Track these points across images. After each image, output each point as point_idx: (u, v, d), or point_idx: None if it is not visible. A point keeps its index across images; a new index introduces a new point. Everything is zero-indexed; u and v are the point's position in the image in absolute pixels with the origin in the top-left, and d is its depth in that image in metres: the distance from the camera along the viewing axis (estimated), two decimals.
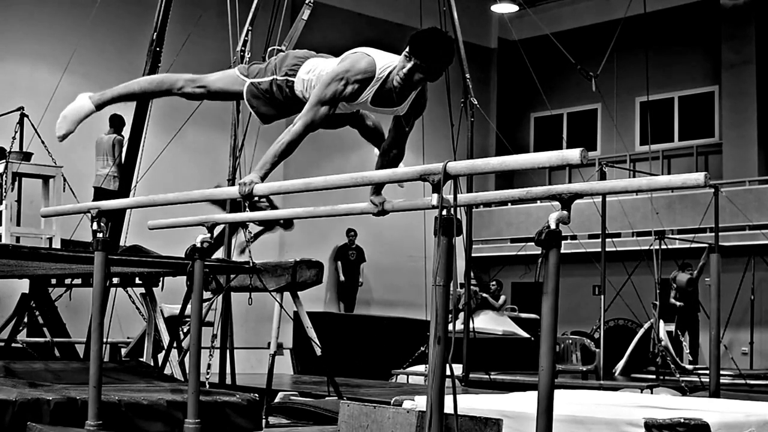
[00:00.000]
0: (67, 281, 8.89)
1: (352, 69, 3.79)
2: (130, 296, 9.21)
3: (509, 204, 17.37)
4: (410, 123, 4.01)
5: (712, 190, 9.90)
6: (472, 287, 11.28)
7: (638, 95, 17.25)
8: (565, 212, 3.04)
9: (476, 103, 10.48)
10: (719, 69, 17.08)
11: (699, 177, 3.10)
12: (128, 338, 9.79)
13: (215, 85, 4.22)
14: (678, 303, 14.01)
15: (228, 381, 8.76)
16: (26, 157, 9.82)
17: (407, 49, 3.73)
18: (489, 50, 19.45)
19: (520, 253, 16.02)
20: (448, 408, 3.13)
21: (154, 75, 4.79)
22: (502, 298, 15.01)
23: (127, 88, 4.45)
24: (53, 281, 8.98)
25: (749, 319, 15.19)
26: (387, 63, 3.81)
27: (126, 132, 9.68)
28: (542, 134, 19.62)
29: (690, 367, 13.18)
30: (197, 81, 4.25)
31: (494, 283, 15.31)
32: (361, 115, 4.18)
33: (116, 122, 11.15)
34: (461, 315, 10.57)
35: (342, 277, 15.88)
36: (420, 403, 4.88)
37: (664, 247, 13.31)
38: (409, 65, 3.73)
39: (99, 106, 4.41)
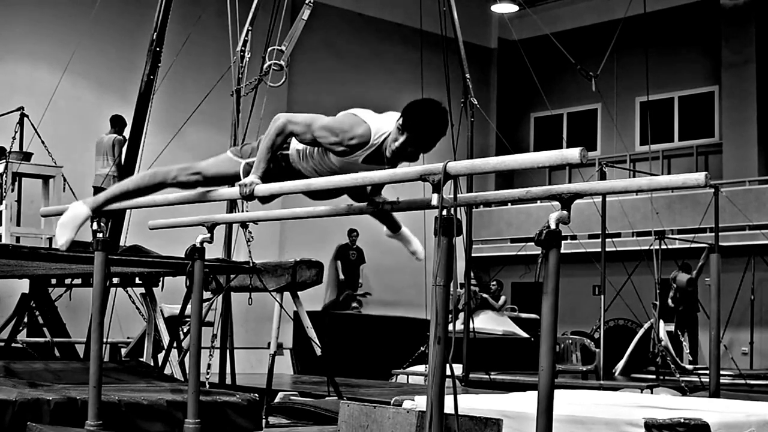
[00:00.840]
0: (67, 281, 8.90)
1: (348, 133, 3.77)
2: (130, 296, 9.21)
3: (509, 204, 17.37)
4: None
5: (712, 190, 9.90)
6: (471, 287, 11.27)
7: (638, 95, 17.25)
8: (565, 212, 3.04)
9: (476, 103, 10.48)
10: (719, 69, 17.08)
11: (699, 177, 3.09)
12: (128, 338, 9.79)
13: (209, 171, 4.18)
14: (677, 306, 14.00)
15: (228, 381, 8.76)
16: (26, 157, 9.83)
17: (400, 121, 3.70)
18: (489, 50, 19.45)
19: (520, 253, 16.02)
20: (448, 408, 3.13)
21: (145, 171, 4.75)
22: (503, 298, 15.00)
23: (120, 188, 4.43)
24: (53, 281, 8.99)
25: (749, 319, 15.19)
26: (381, 128, 3.78)
27: (126, 132, 9.68)
28: (542, 134, 19.62)
29: (690, 367, 13.18)
30: (190, 169, 4.21)
31: (494, 283, 15.30)
32: (362, 188, 4.15)
33: (117, 122, 11.16)
34: (461, 315, 10.57)
35: (342, 276, 15.88)
36: (420, 403, 4.88)
37: (664, 247, 13.31)
38: (402, 139, 3.70)
39: (95, 210, 4.41)
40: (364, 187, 4.09)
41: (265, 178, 3.93)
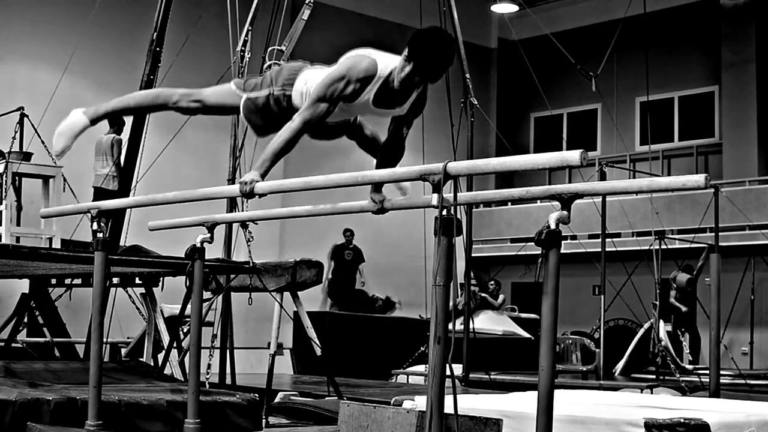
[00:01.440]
0: (67, 281, 8.89)
1: (353, 69, 3.78)
2: (130, 296, 9.21)
3: (509, 204, 17.37)
4: (410, 122, 4.00)
5: (712, 190, 9.89)
6: (471, 287, 11.26)
7: (638, 95, 17.25)
8: (565, 212, 3.04)
9: (476, 103, 10.48)
10: (719, 69, 17.08)
11: (699, 179, 3.09)
12: (128, 338, 9.79)
13: (211, 100, 4.21)
14: (681, 306, 13.97)
15: (228, 381, 8.76)
16: (26, 157, 9.82)
17: (406, 51, 3.70)
18: (489, 50, 19.45)
19: (520, 253, 16.02)
20: (448, 408, 3.13)
21: (149, 89, 4.77)
22: (501, 297, 14.99)
23: (122, 102, 4.44)
24: (53, 281, 8.98)
25: (749, 319, 15.19)
26: (388, 63, 3.79)
27: (126, 132, 9.68)
28: (542, 134, 19.62)
29: (690, 367, 13.18)
30: (193, 95, 4.23)
31: (492, 282, 15.30)
32: (359, 126, 4.17)
33: (116, 122, 11.15)
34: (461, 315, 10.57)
35: (330, 276, 15.60)
36: (420, 403, 4.88)
37: (664, 247, 13.30)
38: (408, 68, 3.71)
39: (93, 121, 4.39)
40: (361, 127, 4.10)
41: (263, 119, 3.95)
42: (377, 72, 3.78)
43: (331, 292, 15.74)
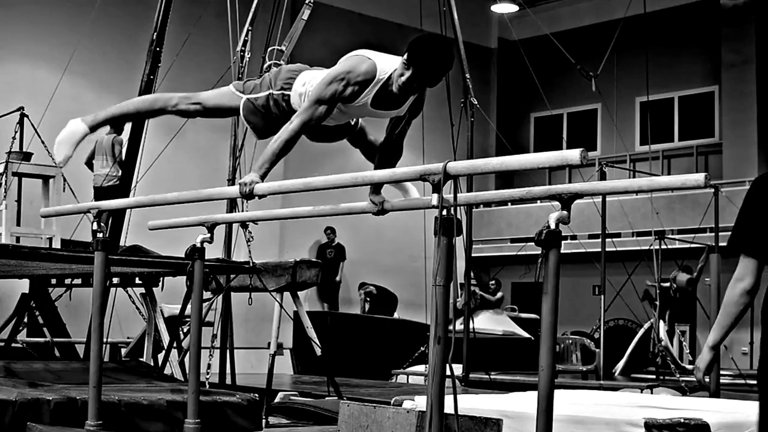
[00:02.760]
0: (67, 281, 8.89)
1: (353, 70, 3.78)
2: (130, 296, 9.21)
3: (509, 204, 17.36)
4: (408, 123, 4.00)
5: (712, 190, 9.90)
6: (471, 287, 11.25)
7: (638, 95, 17.24)
8: (565, 212, 3.04)
9: (476, 103, 10.48)
10: (719, 69, 17.08)
11: (699, 178, 3.09)
12: (128, 338, 9.79)
13: (210, 102, 4.21)
14: (673, 300, 13.86)
15: (228, 381, 8.76)
16: (26, 157, 9.82)
17: (405, 56, 3.71)
18: (489, 50, 19.45)
19: (520, 253, 16.02)
20: (448, 408, 3.13)
21: (147, 95, 4.76)
22: (500, 294, 14.96)
23: (120, 109, 4.44)
24: (53, 281, 8.98)
25: (749, 319, 15.16)
26: (387, 66, 3.79)
27: (126, 132, 9.68)
28: (542, 134, 19.62)
29: (690, 367, 13.16)
30: (192, 98, 4.24)
31: (493, 282, 15.31)
32: (361, 131, 4.16)
33: (117, 122, 11.16)
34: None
35: None
36: (420, 403, 4.88)
37: (664, 247, 13.30)
38: (408, 73, 3.71)
39: (93, 128, 4.38)
40: (363, 132, 4.10)
41: (264, 120, 3.95)
42: (376, 75, 3.78)
43: (320, 292, 15.79)
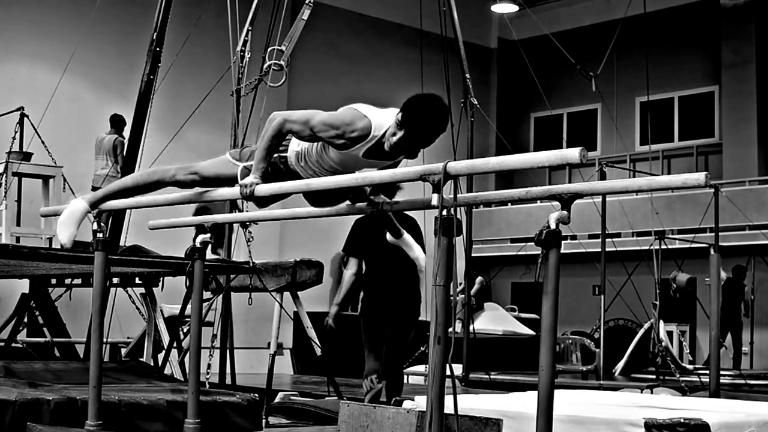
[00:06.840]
0: (67, 281, 8.89)
1: (350, 125, 3.74)
2: (130, 296, 9.21)
3: (509, 204, 17.35)
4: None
5: (712, 190, 9.88)
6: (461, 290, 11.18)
7: (638, 95, 17.24)
8: (565, 212, 3.04)
9: (476, 103, 10.48)
10: (719, 69, 17.08)
11: (699, 177, 3.09)
12: (128, 338, 9.79)
13: (207, 171, 4.19)
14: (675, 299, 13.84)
15: (228, 381, 8.76)
16: (26, 157, 9.83)
17: (399, 116, 3.68)
18: (489, 50, 19.45)
19: (520, 253, 16.01)
20: (448, 408, 3.13)
21: (144, 169, 4.77)
22: (478, 278, 14.67)
23: (118, 185, 4.45)
24: (53, 281, 8.98)
25: (749, 319, 15.18)
26: (383, 123, 3.76)
27: (126, 132, 9.69)
28: (542, 134, 19.62)
29: (690, 367, 13.18)
30: (189, 169, 4.23)
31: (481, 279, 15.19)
32: (362, 190, 4.13)
33: (117, 122, 11.15)
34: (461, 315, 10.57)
35: None
36: (420, 403, 4.88)
37: (664, 247, 13.30)
38: (400, 134, 3.68)
39: (93, 206, 4.41)
40: (363, 188, 4.08)
41: (265, 181, 3.93)
42: (371, 133, 3.75)
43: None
